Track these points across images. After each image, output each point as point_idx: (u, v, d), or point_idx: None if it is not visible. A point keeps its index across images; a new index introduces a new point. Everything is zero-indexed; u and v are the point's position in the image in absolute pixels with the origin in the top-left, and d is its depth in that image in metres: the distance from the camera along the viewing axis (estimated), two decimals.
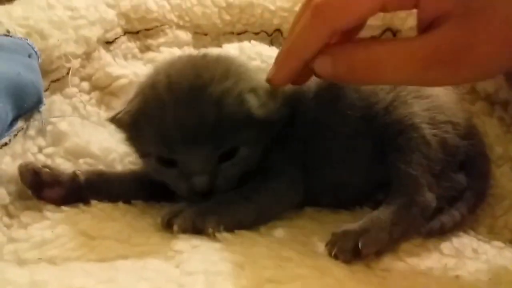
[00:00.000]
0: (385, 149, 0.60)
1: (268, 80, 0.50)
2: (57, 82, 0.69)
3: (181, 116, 0.53)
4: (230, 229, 0.52)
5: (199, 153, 0.54)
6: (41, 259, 0.46)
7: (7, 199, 0.52)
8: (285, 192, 0.58)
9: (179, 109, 0.53)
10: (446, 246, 0.54)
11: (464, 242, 0.56)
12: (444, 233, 0.57)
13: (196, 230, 0.51)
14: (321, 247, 0.51)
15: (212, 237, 0.50)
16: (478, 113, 0.72)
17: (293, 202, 0.59)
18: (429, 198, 0.57)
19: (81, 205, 0.55)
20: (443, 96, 0.64)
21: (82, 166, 0.61)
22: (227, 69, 0.56)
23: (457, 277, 0.49)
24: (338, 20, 0.42)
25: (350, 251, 0.49)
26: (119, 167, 0.64)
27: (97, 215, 0.53)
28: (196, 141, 0.53)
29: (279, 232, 0.53)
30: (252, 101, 0.54)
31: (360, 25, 0.47)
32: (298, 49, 0.46)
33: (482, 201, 0.63)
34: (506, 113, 0.72)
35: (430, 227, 0.57)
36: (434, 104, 0.62)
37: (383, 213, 0.55)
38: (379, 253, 0.52)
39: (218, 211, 0.53)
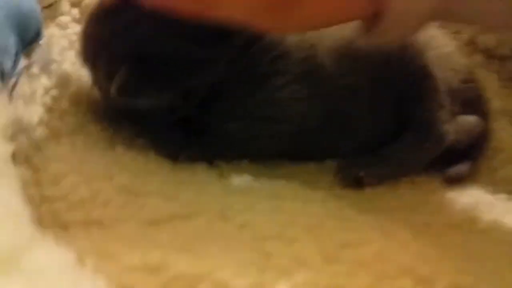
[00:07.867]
0: (401, 102, 0.60)
1: None
2: (49, 9, 0.60)
3: None
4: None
5: None
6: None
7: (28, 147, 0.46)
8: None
9: None
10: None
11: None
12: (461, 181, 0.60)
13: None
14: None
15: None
16: (476, 66, 0.74)
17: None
18: (444, 130, 0.59)
19: (111, 153, 0.50)
20: (447, 46, 0.66)
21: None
22: None
23: None
24: None
25: (352, 181, 0.55)
26: None
27: (131, 168, 0.48)
28: None
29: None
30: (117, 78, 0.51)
31: None
32: None
33: (488, 140, 0.66)
34: (503, 68, 0.75)
35: (448, 175, 0.60)
36: (440, 53, 0.64)
37: (393, 149, 0.58)
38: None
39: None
